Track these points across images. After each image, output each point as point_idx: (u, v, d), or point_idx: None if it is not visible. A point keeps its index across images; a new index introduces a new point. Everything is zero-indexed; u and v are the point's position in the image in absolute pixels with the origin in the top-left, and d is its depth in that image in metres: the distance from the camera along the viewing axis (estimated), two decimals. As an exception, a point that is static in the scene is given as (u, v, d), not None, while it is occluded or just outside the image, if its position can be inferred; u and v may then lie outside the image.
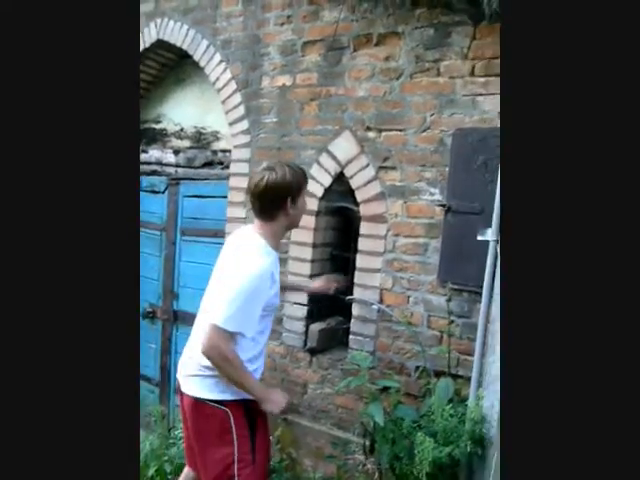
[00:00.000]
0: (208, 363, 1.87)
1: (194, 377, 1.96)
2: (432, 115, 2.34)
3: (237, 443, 1.93)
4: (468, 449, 1.82)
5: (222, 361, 1.84)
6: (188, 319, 3.43)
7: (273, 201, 1.89)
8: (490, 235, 2.01)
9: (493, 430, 1.78)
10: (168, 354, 3.57)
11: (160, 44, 3.26)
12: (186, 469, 2.23)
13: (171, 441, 2.98)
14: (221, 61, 2.99)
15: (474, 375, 2.05)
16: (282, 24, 2.76)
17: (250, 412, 1.97)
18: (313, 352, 2.70)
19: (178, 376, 2.06)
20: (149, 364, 3.60)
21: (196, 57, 3.10)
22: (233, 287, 1.83)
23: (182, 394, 2.02)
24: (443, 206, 2.31)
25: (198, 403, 1.94)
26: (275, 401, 2.00)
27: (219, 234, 3.11)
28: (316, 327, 2.71)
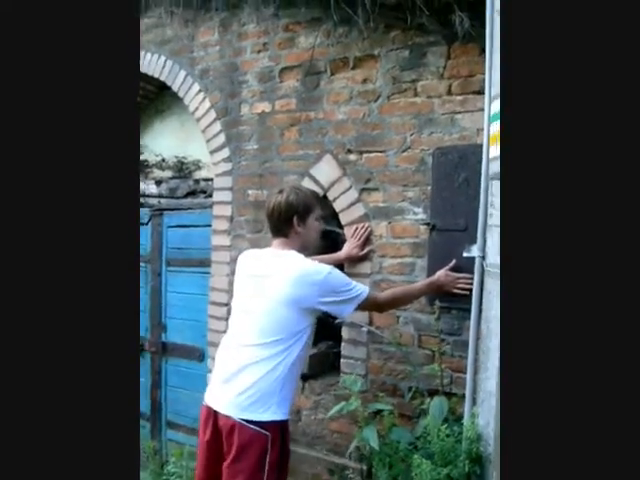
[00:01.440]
0: (250, 383, 1.89)
1: (237, 397, 1.90)
2: (412, 135, 2.36)
3: (267, 470, 1.87)
4: (466, 469, 1.79)
5: (393, 305, 2.22)
6: (177, 350, 3.39)
7: (280, 220, 2.02)
8: (475, 251, 2.02)
9: (490, 448, 1.76)
10: (158, 388, 3.50)
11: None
12: None
13: (164, 477, 2.91)
14: (200, 90, 3.00)
15: (468, 393, 2.03)
16: (259, 51, 2.78)
17: (284, 436, 1.96)
18: (305, 378, 2.66)
19: (211, 401, 1.99)
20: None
21: (175, 88, 3.11)
22: (329, 285, 1.94)
23: (216, 417, 1.95)
24: (427, 225, 2.31)
25: (240, 425, 1.87)
26: (450, 283, 2.19)
27: (205, 263, 3.09)
28: (307, 352, 2.68)
